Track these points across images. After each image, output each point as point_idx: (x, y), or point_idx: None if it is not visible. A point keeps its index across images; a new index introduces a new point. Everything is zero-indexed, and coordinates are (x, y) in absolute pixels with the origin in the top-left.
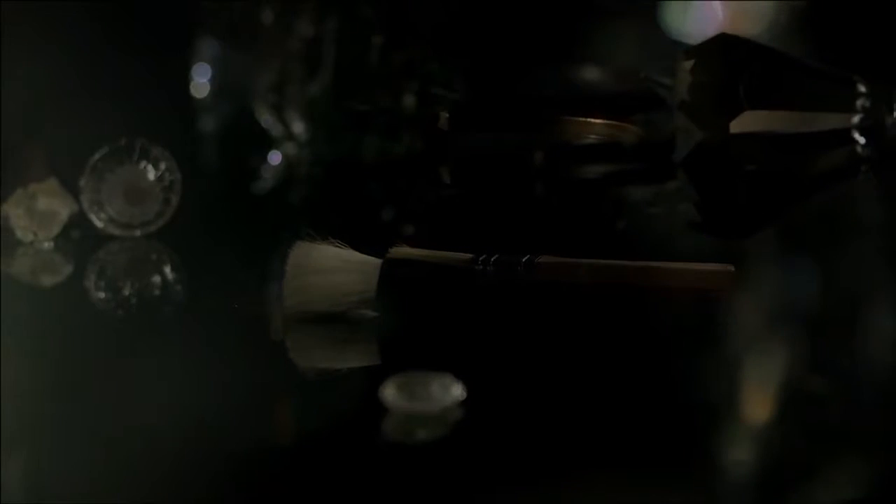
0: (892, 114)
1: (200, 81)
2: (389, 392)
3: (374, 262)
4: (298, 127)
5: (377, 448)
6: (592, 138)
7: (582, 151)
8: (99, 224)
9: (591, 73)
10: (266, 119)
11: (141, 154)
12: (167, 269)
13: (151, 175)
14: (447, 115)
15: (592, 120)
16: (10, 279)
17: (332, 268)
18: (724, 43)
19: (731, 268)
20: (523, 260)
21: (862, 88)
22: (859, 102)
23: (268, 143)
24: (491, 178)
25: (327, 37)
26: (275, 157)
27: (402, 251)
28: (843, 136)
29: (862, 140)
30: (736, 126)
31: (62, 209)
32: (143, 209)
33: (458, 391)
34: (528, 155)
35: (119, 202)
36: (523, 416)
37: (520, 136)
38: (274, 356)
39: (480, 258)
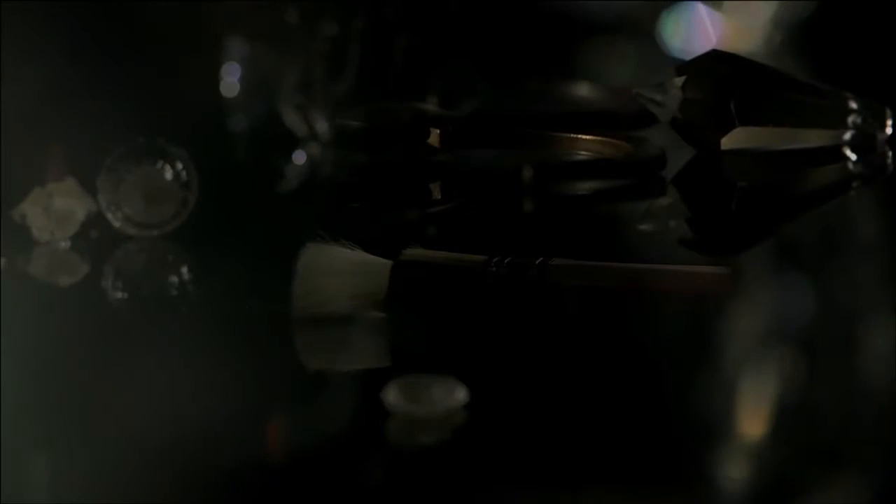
0: (884, 130)
1: (229, 80)
2: (391, 395)
3: (384, 263)
4: (322, 127)
5: (378, 451)
6: (583, 155)
7: (572, 168)
8: (116, 224)
9: (582, 90)
10: (290, 119)
11: (158, 153)
12: (183, 270)
13: (169, 175)
14: (438, 131)
15: (583, 136)
16: (25, 278)
17: (342, 270)
18: (715, 59)
19: (729, 270)
20: (537, 262)
21: (853, 105)
22: (850, 119)
23: (292, 142)
24: (481, 194)
25: (352, 36)
26: (299, 157)
27: (414, 253)
28: (835, 152)
29: (853, 156)
30: (727, 142)
31: (79, 209)
32: (160, 209)
33: (460, 395)
34: (518, 171)
35: (136, 202)
36: (526, 422)
37: (510, 152)
38: (280, 357)
39: (494, 260)
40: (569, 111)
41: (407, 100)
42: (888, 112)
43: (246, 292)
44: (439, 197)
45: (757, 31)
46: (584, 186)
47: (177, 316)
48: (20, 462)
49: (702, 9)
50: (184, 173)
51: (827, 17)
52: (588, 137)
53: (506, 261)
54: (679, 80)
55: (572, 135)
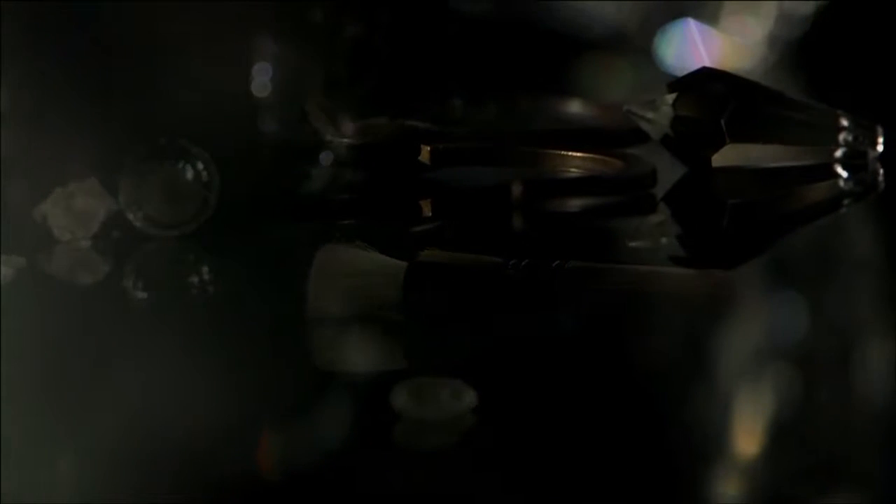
0: (875, 148)
1: (261, 80)
2: (399, 397)
3: (400, 264)
4: (348, 128)
5: (385, 454)
6: (574, 172)
7: (563, 185)
8: (137, 224)
9: (573, 107)
10: (316, 119)
11: (180, 153)
12: (203, 270)
13: (190, 174)
14: (429, 148)
15: (574, 153)
16: (46, 278)
17: (357, 271)
18: (705, 76)
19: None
20: (554, 264)
21: (844, 122)
22: (842, 136)
23: (318, 144)
24: (471, 211)
25: (377, 38)
26: (325, 158)
27: (431, 254)
28: (826, 170)
29: (844, 174)
30: (718, 160)
31: (100, 208)
32: (181, 209)
33: (469, 398)
34: (508, 188)
35: (157, 202)
36: (533, 427)
37: (501, 169)
38: (292, 358)
39: (511, 262)
40: (560, 128)
41: (397, 116)
42: (879, 130)
43: (263, 293)
44: (429, 214)
45: (752, 48)
46: (575, 203)
47: (195, 316)
48: (23, 462)
49: (696, 26)
50: (205, 173)
51: (821, 35)
52: (579, 154)
53: (523, 263)
54: (670, 97)
55: (563, 152)
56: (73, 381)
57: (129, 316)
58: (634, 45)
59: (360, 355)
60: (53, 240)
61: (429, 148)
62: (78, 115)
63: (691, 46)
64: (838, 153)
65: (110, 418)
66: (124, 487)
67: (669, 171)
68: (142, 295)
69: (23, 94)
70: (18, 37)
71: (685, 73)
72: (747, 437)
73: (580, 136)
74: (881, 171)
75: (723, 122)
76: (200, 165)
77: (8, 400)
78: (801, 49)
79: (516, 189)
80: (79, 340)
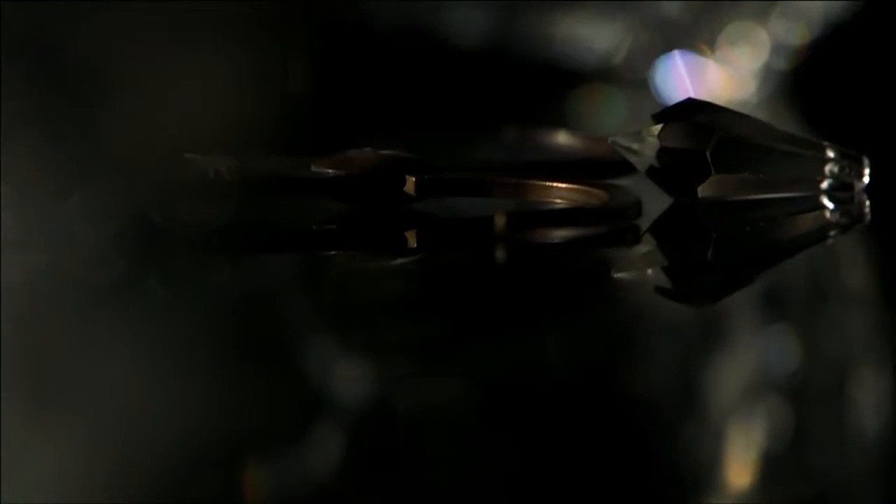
0: (861, 179)
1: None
2: (410, 398)
3: (417, 268)
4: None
5: (394, 455)
6: (559, 202)
7: (547, 216)
8: (159, 223)
9: (559, 137)
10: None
11: (201, 152)
12: (224, 270)
13: (212, 174)
14: (414, 178)
15: (559, 184)
16: (66, 277)
17: (369, 274)
18: (691, 107)
19: None
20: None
21: (831, 154)
22: (828, 168)
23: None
24: (456, 243)
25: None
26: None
27: (447, 258)
28: (812, 201)
29: (830, 205)
30: (704, 191)
31: (123, 207)
32: (203, 208)
33: (479, 397)
34: (492, 219)
35: (178, 201)
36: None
37: (485, 199)
38: (303, 359)
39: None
40: (545, 159)
41: (382, 146)
42: (866, 161)
43: (280, 292)
44: (414, 245)
45: (744, 80)
46: (559, 234)
47: (213, 316)
48: (24, 462)
49: (686, 58)
50: (227, 173)
51: (812, 66)
52: (563, 185)
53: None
54: (655, 129)
55: (548, 182)
56: (87, 381)
57: (149, 315)
58: (624, 77)
59: (370, 356)
60: (75, 239)
61: (414, 179)
62: (99, 112)
63: (680, 78)
64: (824, 185)
65: (121, 418)
66: (125, 490)
67: (655, 203)
68: (162, 294)
69: (42, 92)
70: (27, 34)
71: (671, 104)
72: (737, 469)
73: (565, 168)
74: (867, 203)
75: (708, 153)
76: (223, 165)
77: (16, 399)
78: (792, 80)
79: (499, 220)
80: (96, 340)
